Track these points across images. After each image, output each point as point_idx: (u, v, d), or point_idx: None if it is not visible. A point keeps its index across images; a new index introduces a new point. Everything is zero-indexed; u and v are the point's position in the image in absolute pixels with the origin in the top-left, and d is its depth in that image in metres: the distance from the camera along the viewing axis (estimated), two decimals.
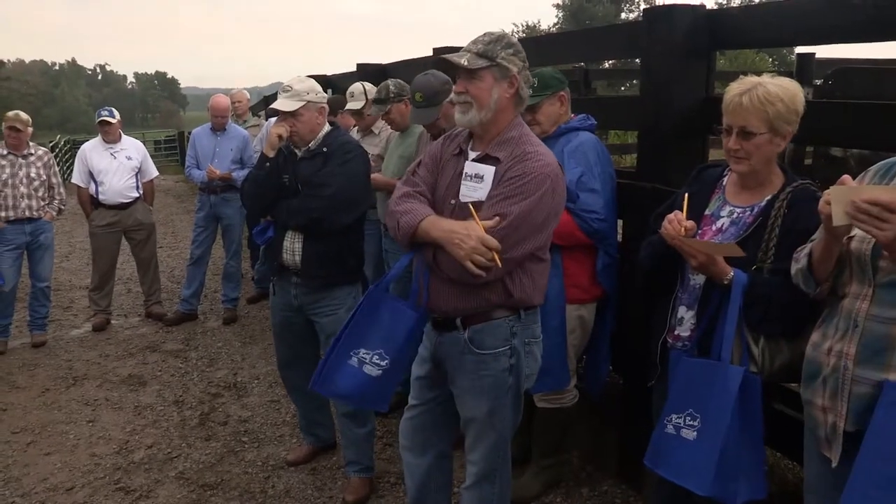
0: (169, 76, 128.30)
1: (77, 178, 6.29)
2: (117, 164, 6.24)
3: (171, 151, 27.79)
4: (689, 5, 3.24)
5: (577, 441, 3.86)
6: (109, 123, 6.23)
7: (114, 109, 6.47)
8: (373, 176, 4.57)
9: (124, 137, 6.45)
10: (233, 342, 6.13)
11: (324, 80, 8.08)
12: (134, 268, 6.89)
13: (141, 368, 5.54)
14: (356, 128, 5.19)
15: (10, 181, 5.70)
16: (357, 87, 4.99)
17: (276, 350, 3.93)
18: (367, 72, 6.49)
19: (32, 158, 5.85)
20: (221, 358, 5.76)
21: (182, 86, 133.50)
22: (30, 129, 5.80)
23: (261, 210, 3.62)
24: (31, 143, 5.93)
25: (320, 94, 3.46)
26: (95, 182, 6.22)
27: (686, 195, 2.43)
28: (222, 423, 4.57)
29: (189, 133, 21.12)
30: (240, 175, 6.30)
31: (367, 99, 4.85)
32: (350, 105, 4.94)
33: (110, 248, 6.42)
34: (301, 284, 3.56)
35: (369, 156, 4.80)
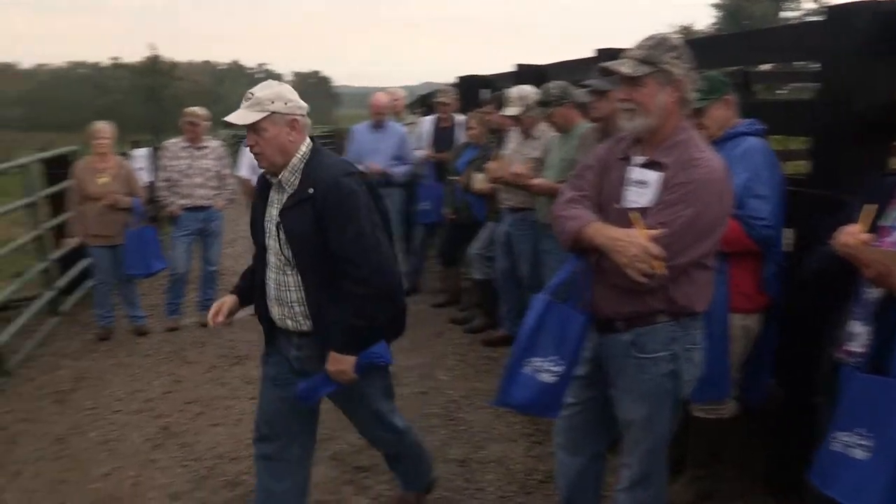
0: (323, 75, 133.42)
1: (242, 170, 6.66)
2: None
3: (326, 146, 28.69)
4: (874, 1, 3.03)
5: (732, 453, 3.72)
6: None
7: None
8: (535, 181, 4.60)
9: None
10: None
11: (482, 81, 8.15)
12: None
13: None
14: (513, 130, 5.22)
15: (187, 172, 6.12)
16: (515, 91, 5.02)
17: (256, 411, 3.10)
18: (526, 73, 6.48)
19: (207, 151, 6.25)
20: None
21: (335, 84, 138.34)
22: (206, 124, 6.21)
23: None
24: (206, 137, 6.33)
25: (291, 104, 2.68)
26: (257, 173, 6.52)
27: (866, 206, 2.28)
28: None
29: (341, 130, 21.93)
30: (397, 171, 6.48)
31: (524, 104, 4.87)
32: (508, 111, 4.98)
33: None
34: (304, 346, 2.87)
35: (526, 158, 4.88)
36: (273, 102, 2.62)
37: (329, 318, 2.71)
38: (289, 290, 2.75)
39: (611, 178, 2.57)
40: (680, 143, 2.44)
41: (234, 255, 9.45)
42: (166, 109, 55.94)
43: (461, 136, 6.62)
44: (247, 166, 6.59)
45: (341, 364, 2.73)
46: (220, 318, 2.90)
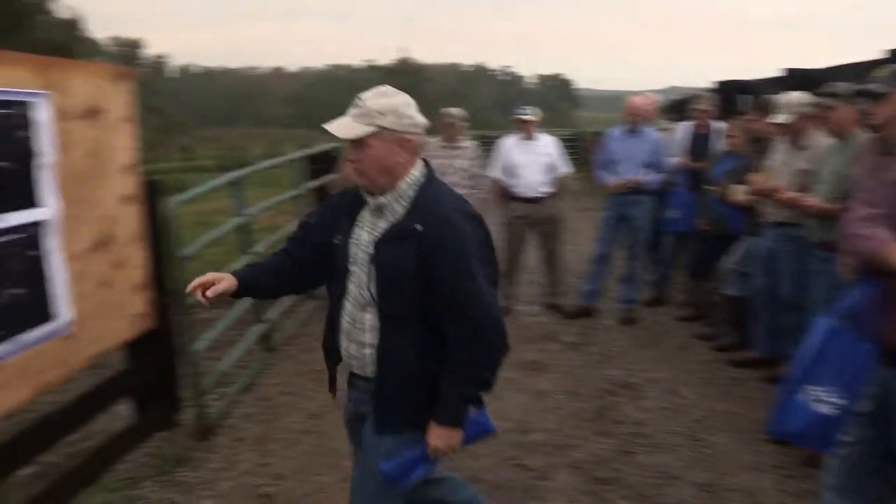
0: (564, 77, 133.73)
1: (495, 170, 6.80)
2: (533, 160, 6.62)
3: (568, 149, 28.81)
4: None
5: None
6: (527, 121, 6.63)
7: (531, 108, 6.84)
8: (807, 200, 4.30)
9: (541, 134, 6.81)
10: (627, 343, 6.16)
11: (741, 86, 7.75)
12: (538, 259, 7.25)
13: (540, 355, 5.82)
14: (779, 139, 4.90)
15: (442, 170, 6.35)
16: (785, 97, 4.71)
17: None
18: (796, 78, 6.06)
19: (462, 150, 6.44)
20: (616, 357, 5.82)
21: (576, 87, 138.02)
22: (462, 124, 6.42)
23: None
24: (461, 137, 6.52)
25: (406, 119, 2.26)
26: (511, 175, 6.66)
27: None
28: (617, 421, 4.62)
29: (583, 133, 21.84)
30: (650, 179, 6.32)
31: (794, 111, 4.56)
32: (776, 118, 4.68)
33: (519, 239, 6.82)
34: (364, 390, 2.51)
35: (795, 170, 4.55)
36: (384, 115, 2.22)
37: (404, 374, 2.33)
38: (363, 330, 2.37)
39: None
40: None
41: None
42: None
43: (718, 144, 6.32)
44: (499, 167, 6.71)
45: (450, 440, 2.35)
46: (210, 295, 2.37)
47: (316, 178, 7.54)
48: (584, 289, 6.88)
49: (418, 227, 2.24)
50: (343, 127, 2.24)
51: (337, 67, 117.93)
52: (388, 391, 2.36)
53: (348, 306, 2.40)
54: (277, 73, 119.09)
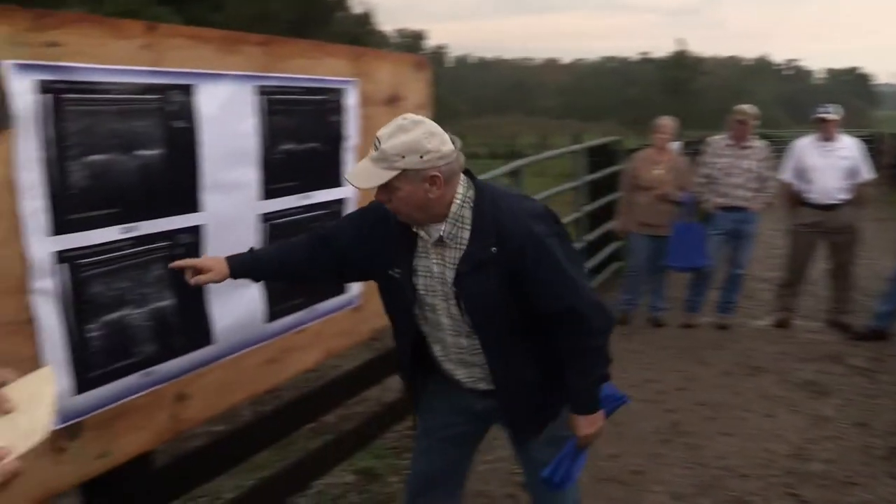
0: (862, 72, 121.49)
1: (785, 173, 6.31)
2: (830, 164, 6.04)
3: (868, 151, 26.19)
4: None
5: None
6: (827, 121, 6.06)
7: (834, 106, 6.23)
8: None
9: (841, 135, 6.20)
10: None
11: None
12: (824, 271, 6.66)
13: (821, 377, 5.34)
14: None
15: (728, 170, 6.03)
16: None
17: (411, 467, 2.76)
18: None
19: (751, 150, 6.05)
20: None
21: (876, 83, 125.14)
22: (754, 123, 6.02)
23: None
24: (751, 137, 6.12)
25: (429, 156, 2.03)
26: (803, 179, 6.15)
27: None
28: None
29: (882, 134, 19.72)
30: None
31: None
32: None
33: (807, 248, 6.29)
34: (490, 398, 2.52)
35: None
36: (403, 157, 2.01)
37: (522, 388, 2.34)
38: (472, 354, 2.35)
39: None
40: None
41: (757, 259, 9.07)
42: (689, 104, 56.66)
43: None
44: (791, 169, 6.22)
45: (595, 423, 2.36)
46: (201, 280, 2.25)
47: (594, 171, 7.49)
48: (879, 309, 6.17)
49: (493, 249, 2.12)
50: (362, 176, 2.08)
51: (609, 60, 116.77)
52: (512, 405, 2.38)
53: (448, 338, 2.36)
54: (550, 65, 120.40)
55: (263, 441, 3.13)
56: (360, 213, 2.16)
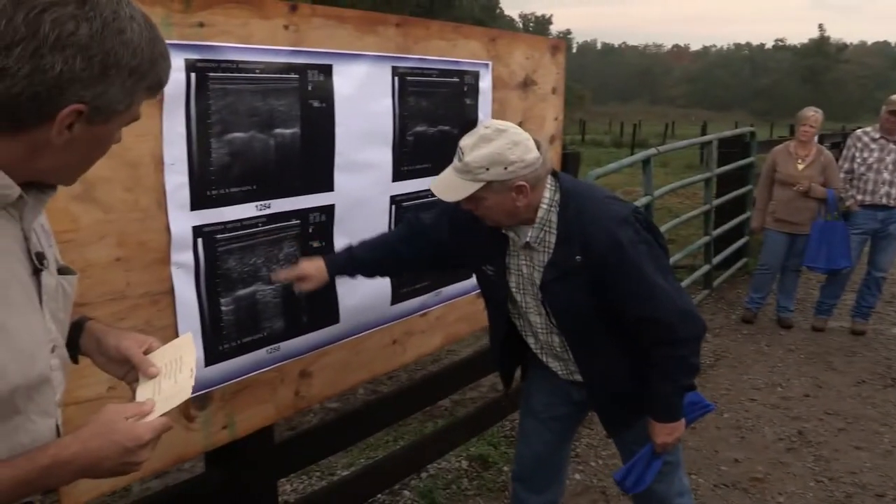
0: None
1: None
2: None
3: None
4: None
5: None
6: None
7: None
8: None
9: None
10: None
11: None
12: None
13: None
14: None
15: (874, 165, 5.63)
16: None
17: (517, 449, 2.80)
18: None
19: None
20: None
21: None
22: None
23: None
24: None
25: (513, 166, 2.00)
26: None
27: None
28: None
29: None
30: None
31: None
32: None
33: None
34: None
35: None
36: (487, 169, 2.00)
37: (612, 387, 2.37)
38: (558, 349, 2.40)
39: None
40: None
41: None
42: (826, 94, 53.77)
43: None
44: None
45: (675, 432, 2.33)
46: (302, 288, 2.28)
47: (724, 163, 7.19)
48: None
49: (577, 258, 2.13)
50: (447, 189, 2.08)
51: (741, 47, 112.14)
52: (600, 399, 2.43)
53: (533, 330, 2.41)
54: (678, 51, 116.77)
55: (379, 422, 3.16)
56: (456, 205, 2.18)
